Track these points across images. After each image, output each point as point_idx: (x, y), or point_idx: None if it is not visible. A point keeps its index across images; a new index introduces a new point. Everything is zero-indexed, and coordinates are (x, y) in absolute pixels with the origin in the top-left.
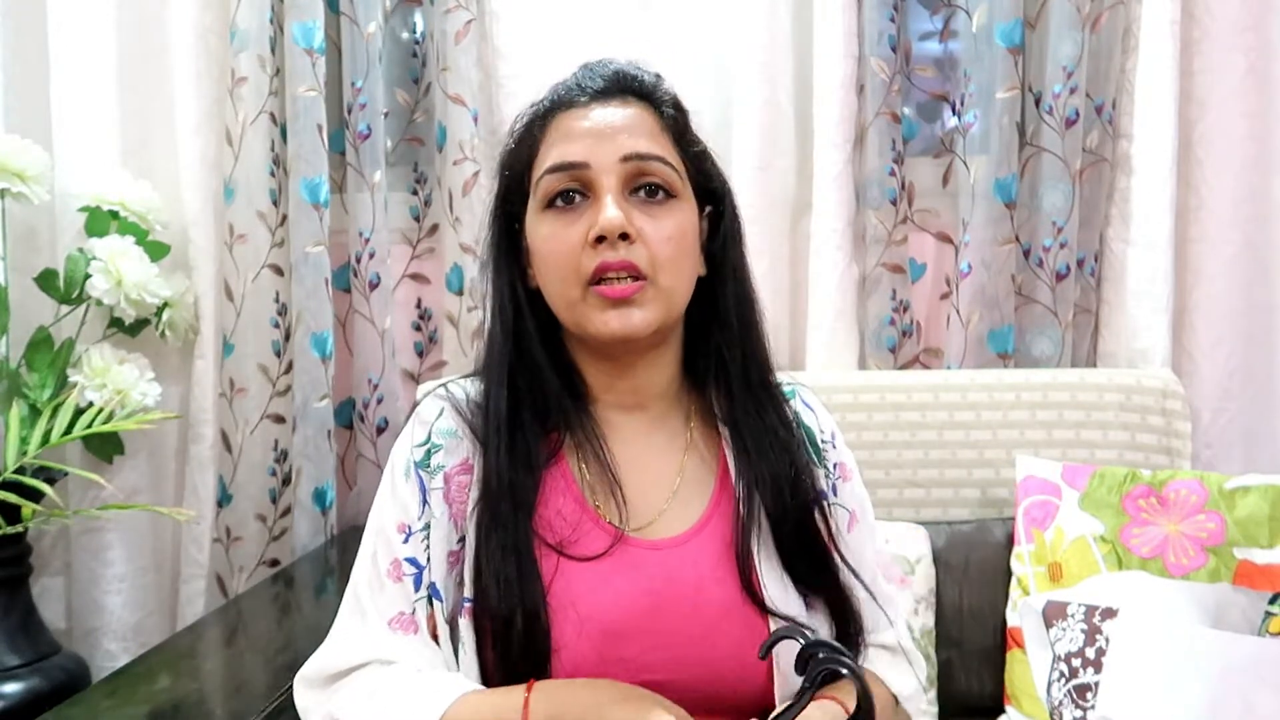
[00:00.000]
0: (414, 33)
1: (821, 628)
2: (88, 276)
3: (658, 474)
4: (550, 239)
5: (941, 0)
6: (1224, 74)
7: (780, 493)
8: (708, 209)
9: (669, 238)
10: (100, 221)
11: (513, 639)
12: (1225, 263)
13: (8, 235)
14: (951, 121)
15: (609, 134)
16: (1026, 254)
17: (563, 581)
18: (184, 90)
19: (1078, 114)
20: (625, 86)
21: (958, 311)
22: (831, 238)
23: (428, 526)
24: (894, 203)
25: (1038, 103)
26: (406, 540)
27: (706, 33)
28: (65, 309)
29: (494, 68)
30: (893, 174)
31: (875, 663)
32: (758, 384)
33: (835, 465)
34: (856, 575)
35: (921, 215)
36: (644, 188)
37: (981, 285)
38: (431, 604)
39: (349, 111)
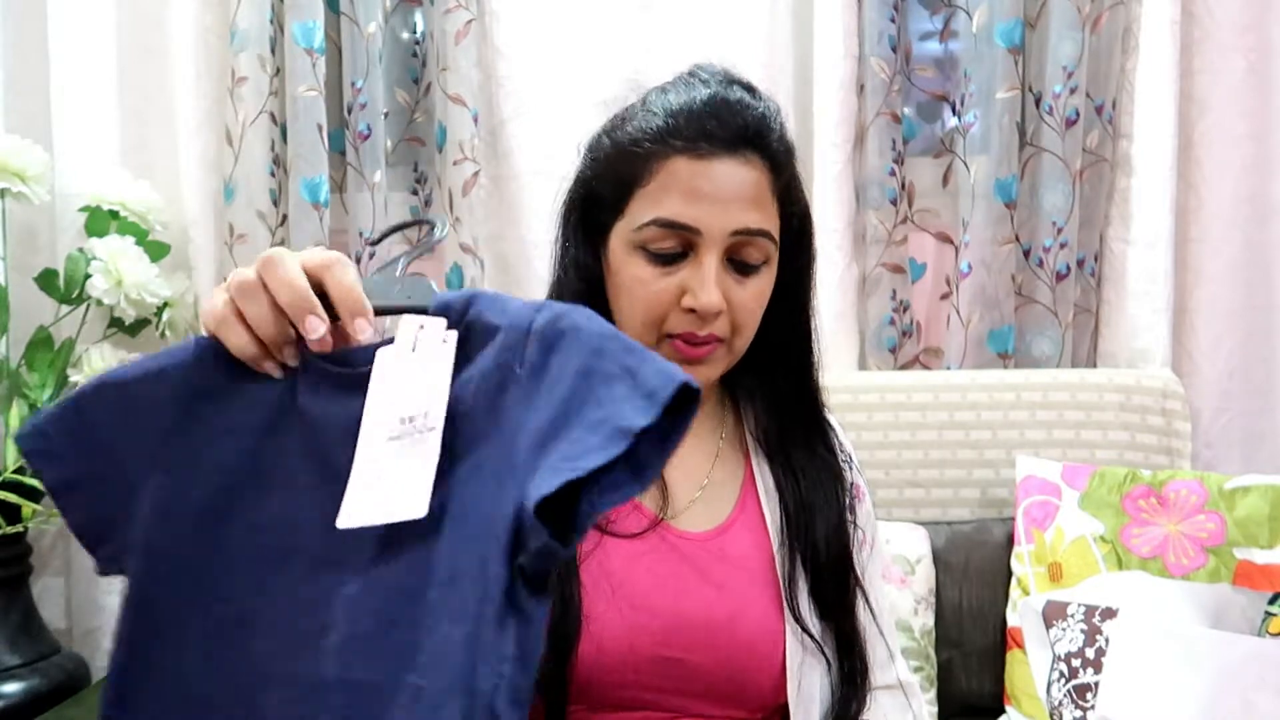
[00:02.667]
0: (414, 33)
1: (829, 650)
2: (88, 276)
3: (689, 470)
4: (640, 284)
5: (941, 0)
6: (1224, 74)
7: (827, 523)
8: (790, 224)
9: (752, 309)
10: (100, 221)
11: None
12: (1225, 263)
13: (8, 235)
14: (951, 121)
15: (725, 200)
16: (1026, 254)
17: (601, 555)
18: (184, 90)
19: (1078, 114)
20: (749, 138)
21: (958, 311)
22: (831, 238)
23: None
24: (894, 203)
25: (1038, 103)
26: None
27: (706, 33)
28: (65, 309)
29: (494, 68)
30: (893, 174)
31: (881, 707)
32: (809, 416)
33: (851, 485)
34: (866, 598)
35: (921, 215)
36: (741, 261)
37: (981, 285)
38: None
39: (349, 111)
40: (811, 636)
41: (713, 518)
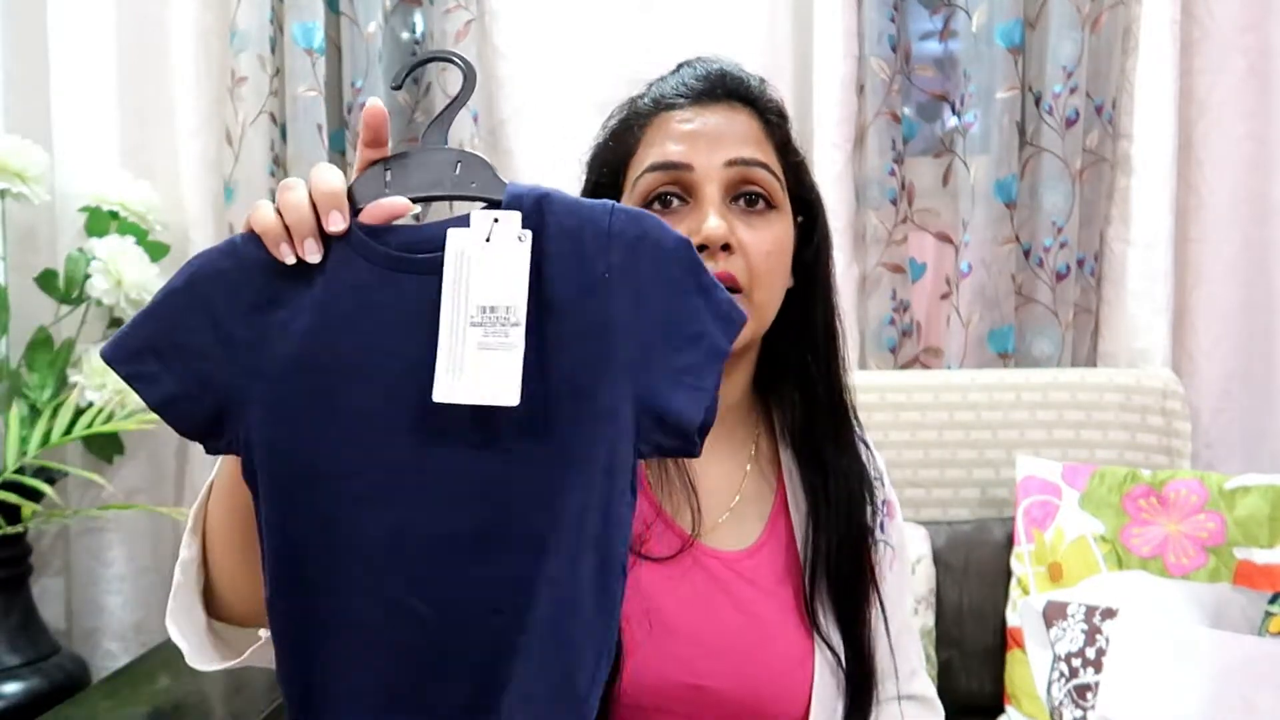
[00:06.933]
0: (414, 33)
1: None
2: (88, 276)
3: (720, 485)
4: None
5: (942, 0)
6: (1224, 74)
7: (847, 522)
8: (799, 218)
9: (768, 251)
10: (100, 221)
11: None
12: (1225, 263)
13: (8, 235)
14: (951, 121)
15: (713, 138)
16: (1026, 254)
17: (634, 577)
18: (184, 90)
19: (1078, 114)
20: (731, 90)
21: (958, 311)
22: (831, 237)
23: None
24: (894, 203)
25: (1038, 103)
26: None
27: (706, 33)
28: (65, 309)
29: (494, 68)
30: (893, 174)
31: (907, 714)
32: (837, 402)
33: (884, 503)
34: (884, 610)
35: (921, 215)
36: (745, 196)
37: (981, 285)
38: None
39: (349, 111)
40: (833, 651)
41: (743, 537)
